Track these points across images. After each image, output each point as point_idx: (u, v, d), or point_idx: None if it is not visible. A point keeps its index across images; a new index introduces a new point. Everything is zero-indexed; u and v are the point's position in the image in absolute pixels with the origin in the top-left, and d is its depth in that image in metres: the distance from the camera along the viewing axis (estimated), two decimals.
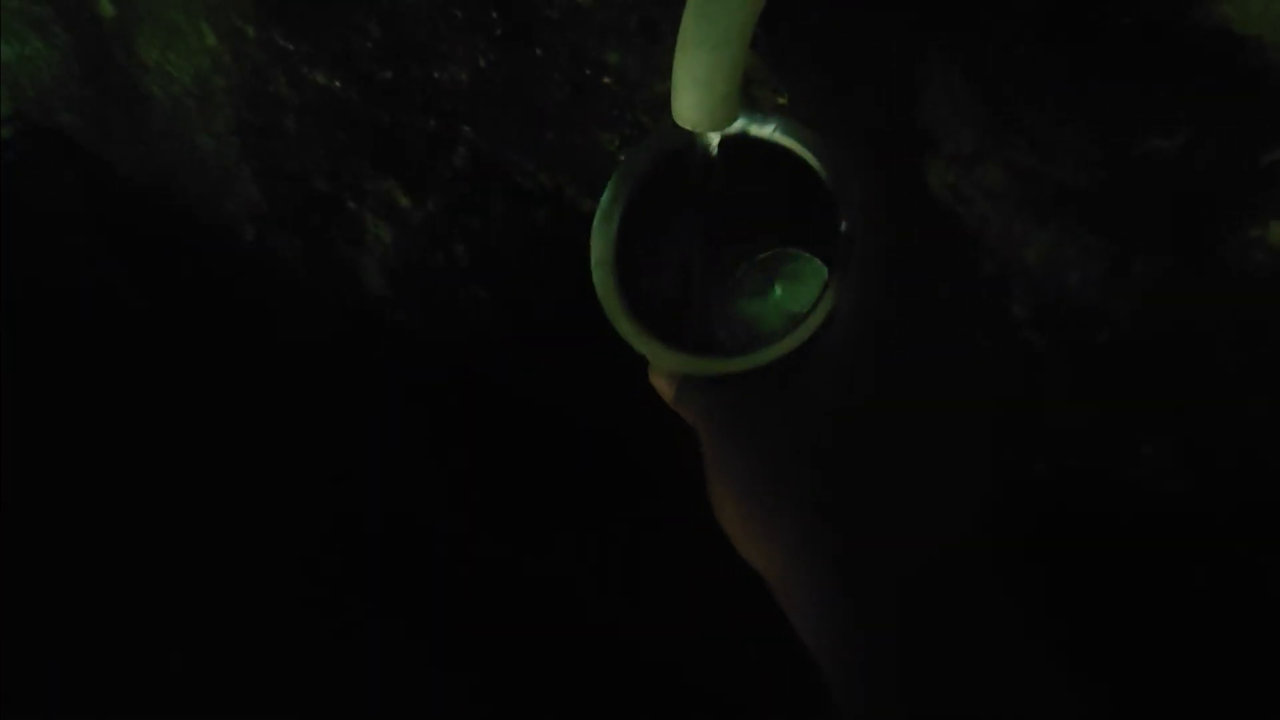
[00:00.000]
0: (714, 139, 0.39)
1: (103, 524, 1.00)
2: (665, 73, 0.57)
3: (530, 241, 0.77)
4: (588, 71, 0.60)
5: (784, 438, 0.36)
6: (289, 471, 1.02)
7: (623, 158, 0.42)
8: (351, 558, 1.01)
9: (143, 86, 0.90)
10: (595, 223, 0.42)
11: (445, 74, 0.67)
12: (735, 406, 0.37)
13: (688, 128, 0.38)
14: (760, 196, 0.43)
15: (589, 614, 0.94)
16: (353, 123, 0.76)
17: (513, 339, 0.90)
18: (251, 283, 1.06)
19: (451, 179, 0.75)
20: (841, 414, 0.36)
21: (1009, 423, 0.64)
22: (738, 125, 0.40)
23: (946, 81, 0.48)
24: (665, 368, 0.40)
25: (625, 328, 0.40)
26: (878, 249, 0.37)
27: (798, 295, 0.44)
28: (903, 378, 0.37)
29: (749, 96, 0.54)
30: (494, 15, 0.61)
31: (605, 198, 0.41)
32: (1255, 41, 0.40)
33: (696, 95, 0.36)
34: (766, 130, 0.40)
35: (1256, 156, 0.44)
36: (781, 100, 0.55)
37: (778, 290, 0.45)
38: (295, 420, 1.06)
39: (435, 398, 1.04)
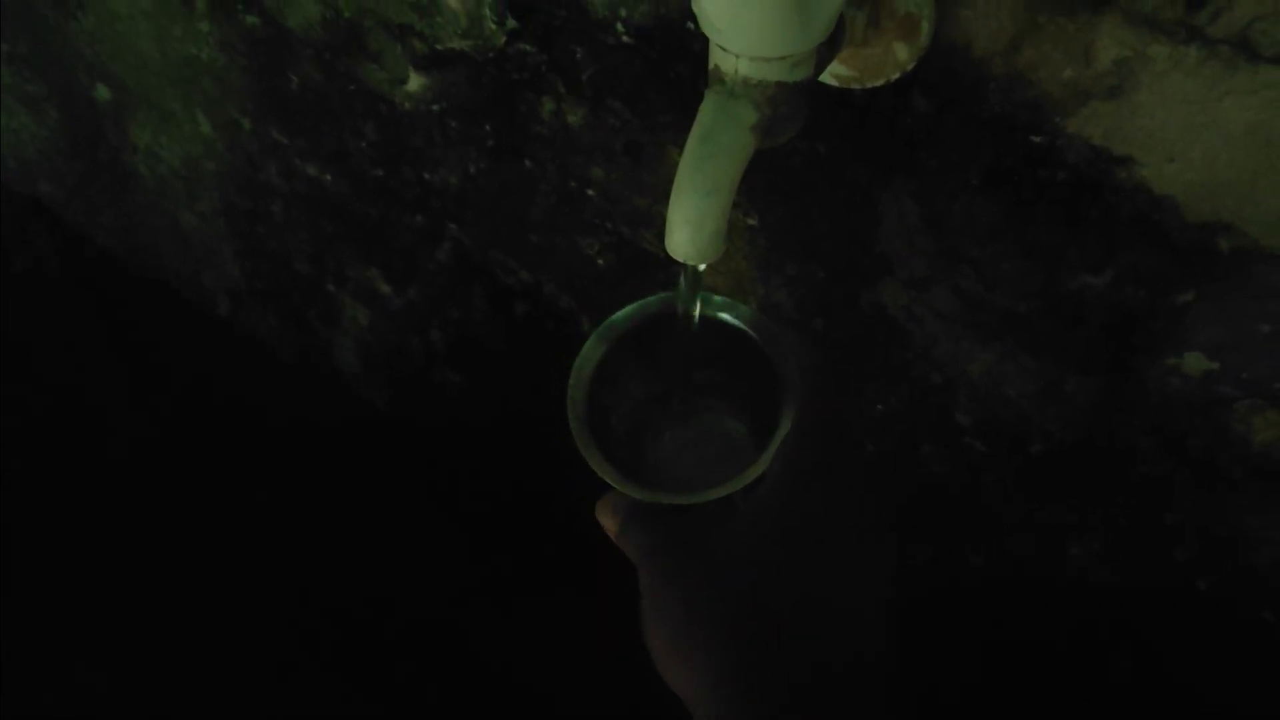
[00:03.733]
0: (691, 300, 0.45)
1: (63, 568, 1.00)
2: (646, 189, 0.63)
3: (507, 332, 0.80)
4: (573, 184, 0.65)
5: (711, 579, 0.40)
6: (248, 542, 1.03)
7: (609, 319, 0.48)
8: (306, 628, 1.01)
9: (130, 165, 0.92)
10: (575, 365, 0.47)
11: (436, 176, 0.71)
12: (673, 546, 0.42)
13: (679, 259, 0.42)
14: (717, 368, 0.49)
15: (539, 687, 0.96)
16: (341, 214, 0.80)
17: (482, 421, 0.93)
18: (221, 354, 1.08)
19: (434, 271, 0.79)
20: (764, 563, 0.40)
21: (947, 519, 0.69)
22: (707, 308, 0.46)
23: (901, 216, 0.54)
24: (619, 497, 0.45)
25: (590, 455, 0.45)
26: (813, 426, 0.42)
27: (737, 449, 0.50)
28: (822, 540, 0.41)
29: None
30: (487, 129, 0.65)
31: (588, 345, 0.47)
32: (1170, 201, 0.46)
33: (689, 234, 0.41)
34: (729, 315, 0.47)
35: (1173, 296, 0.49)
36: (751, 221, 0.60)
37: (720, 443, 0.51)
38: (256, 488, 1.07)
39: (396, 471, 1.06)
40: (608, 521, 0.45)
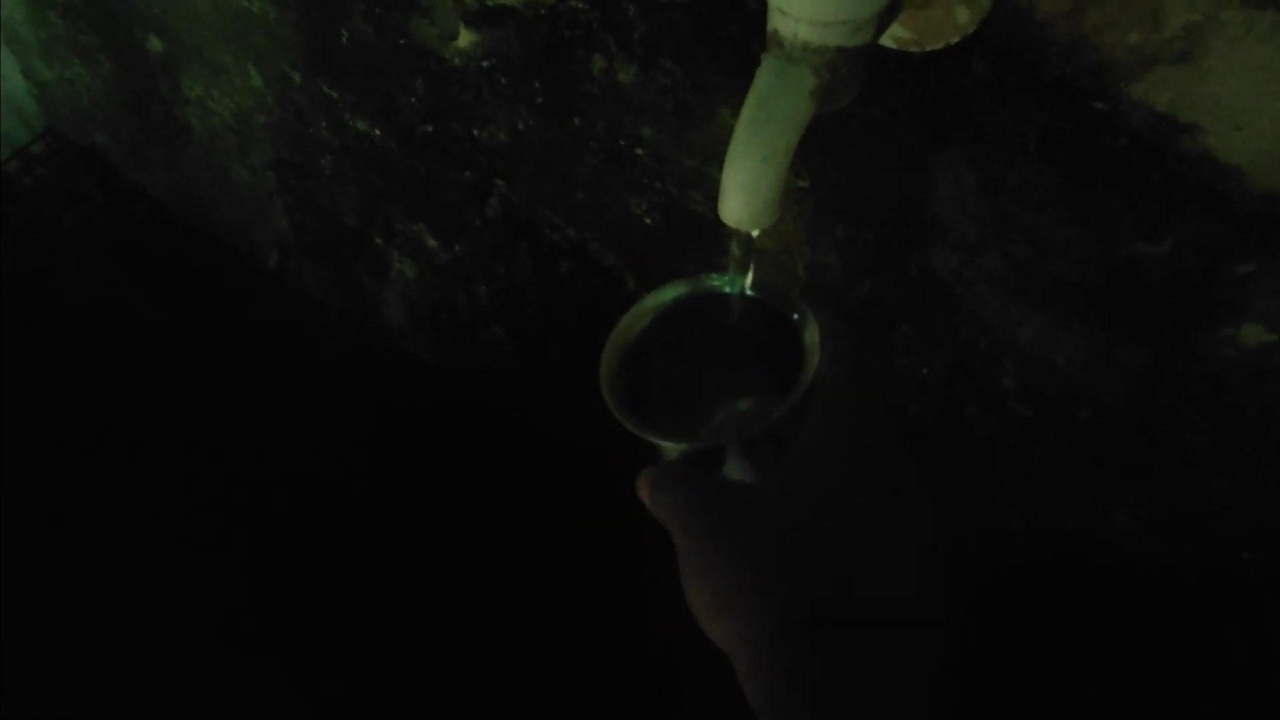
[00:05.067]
0: (743, 267, 0.45)
1: (101, 534, 1.03)
2: (696, 150, 0.62)
3: (551, 289, 0.81)
4: (622, 143, 0.65)
5: (748, 533, 0.40)
6: (291, 485, 1.05)
7: (641, 300, 0.48)
8: (344, 576, 1.04)
9: (182, 118, 0.93)
10: (609, 341, 0.47)
11: (485, 133, 0.71)
12: (706, 503, 0.42)
13: (733, 226, 0.42)
14: (749, 344, 0.49)
15: (585, 621, 0.98)
16: (389, 169, 0.81)
17: (525, 374, 0.94)
18: (269, 305, 1.10)
19: (481, 227, 0.79)
20: (798, 517, 0.40)
21: (990, 485, 0.69)
22: (739, 285, 0.46)
23: (956, 181, 0.53)
24: (647, 474, 0.46)
25: (612, 403, 0.45)
26: (841, 392, 0.42)
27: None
28: (859, 492, 0.41)
29: None
30: (536, 85, 0.65)
31: (624, 319, 0.47)
32: (1235, 170, 0.45)
33: (744, 199, 0.41)
34: (757, 289, 0.47)
35: (1232, 267, 0.49)
36: (802, 183, 0.60)
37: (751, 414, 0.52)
38: (300, 435, 1.09)
39: (440, 421, 1.07)
40: (644, 492, 0.45)
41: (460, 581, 1.01)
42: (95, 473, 1.07)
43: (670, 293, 0.49)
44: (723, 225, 0.43)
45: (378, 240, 0.90)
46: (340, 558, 1.04)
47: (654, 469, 0.46)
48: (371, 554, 1.04)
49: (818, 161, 0.58)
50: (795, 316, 0.46)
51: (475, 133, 0.72)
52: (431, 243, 0.85)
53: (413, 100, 0.73)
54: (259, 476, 1.07)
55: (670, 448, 0.45)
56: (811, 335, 0.44)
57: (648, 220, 0.69)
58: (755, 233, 0.44)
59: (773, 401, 0.49)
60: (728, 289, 0.48)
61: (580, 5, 0.58)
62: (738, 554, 0.40)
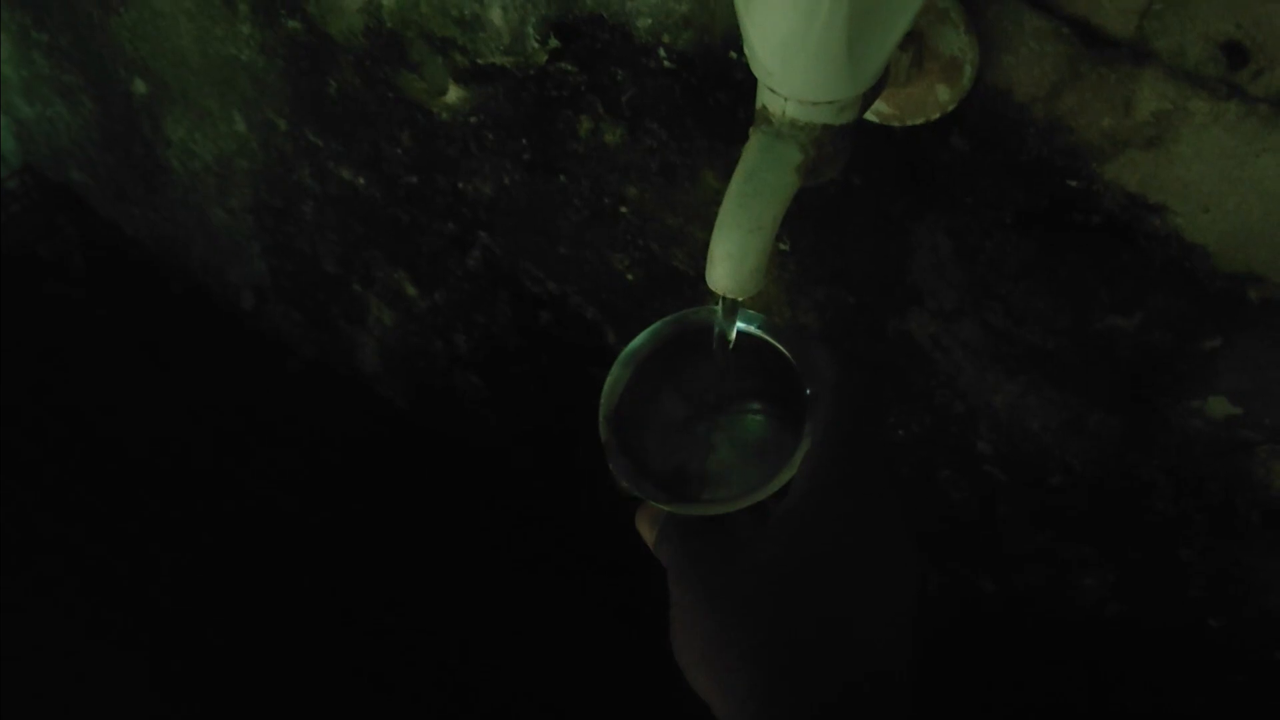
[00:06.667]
0: (729, 327, 0.45)
1: (73, 565, 1.01)
2: (679, 209, 0.63)
3: (531, 339, 0.81)
4: (606, 200, 0.66)
5: (743, 597, 0.41)
6: (262, 535, 1.04)
7: (629, 345, 0.48)
8: (319, 624, 1.02)
9: (163, 159, 0.93)
10: (604, 390, 0.47)
11: (470, 186, 0.72)
12: (706, 561, 0.43)
13: (720, 293, 0.43)
14: (748, 378, 0.49)
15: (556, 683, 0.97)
16: (371, 218, 0.81)
17: (502, 422, 0.94)
18: (243, 346, 1.09)
19: (462, 277, 0.80)
20: (783, 575, 0.41)
21: (962, 545, 0.70)
22: (742, 324, 0.46)
23: (934, 249, 0.55)
24: (647, 509, 0.46)
25: (620, 470, 0.45)
26: (840, 440, 0.42)
27: (766, 461, 0.50)
28: (850, 556, 0.42)
29: None
30: (523, 142, 0.66)
31: (614, 369, 0.47)
32: (1201, 250, 0.47)
33: (731, 268, 0.42)
34: (755, 327, 0.46)
35: (1199, 341, 0.50)
36: (784, 246, 0.61)
37: (749, 455, 0.51)
38: (266, 475, 1.07)
39: (413, 466, 1.07)
40: (646, 532, 0.46)
41: (429, 627, 1.00)
42: (62, 502, 1.05)
43: (654, 334, 0.48)
44: (708, 288, 0.44)
45: (356, 286, 0.90)
46: (303, 597, 1.02)
47: (657, 513, 0.46)
48: (336, 596, 1.03)
49: (800, 226, 0.59)
50: (798, 359, 0.45)
51: (460, 185, 0.72)
52: (411, 290, 0.85)
53: (398, 151, 0.74)
54: (228, 515, 1.05)
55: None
56: (817, 402, 0.44)
57: (630, 276, 0.70)
58: (740, 299, 0.45)
59: (774, 450, 0.49)
60: (747, 326, 0.46)
61: (570, 68, 0.59)
62: (721, 610, 0.41)
